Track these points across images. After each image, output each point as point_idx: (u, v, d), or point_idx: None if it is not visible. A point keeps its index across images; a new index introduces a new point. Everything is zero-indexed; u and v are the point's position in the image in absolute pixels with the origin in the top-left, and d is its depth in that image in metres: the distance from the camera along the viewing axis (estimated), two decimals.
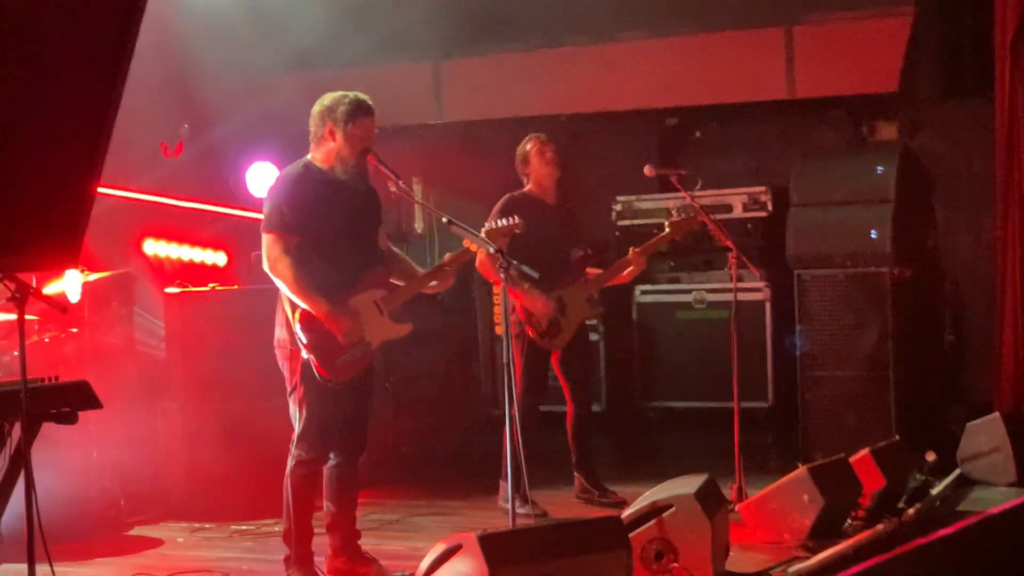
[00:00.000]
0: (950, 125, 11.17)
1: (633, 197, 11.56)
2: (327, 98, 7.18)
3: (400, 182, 7.17)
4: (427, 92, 12.03)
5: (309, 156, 7.22)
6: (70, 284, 9.18)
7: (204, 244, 11.10)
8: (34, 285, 5.43)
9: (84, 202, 4.34)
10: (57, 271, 9.06)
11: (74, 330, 9.12)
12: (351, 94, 7.15)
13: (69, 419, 5.59)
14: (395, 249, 7.55)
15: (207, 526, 8.88)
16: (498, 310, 8.81)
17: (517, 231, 7.55)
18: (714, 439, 9.72)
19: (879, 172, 10.11)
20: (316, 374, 6.94)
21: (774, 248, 10.65)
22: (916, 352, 10.29)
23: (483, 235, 7.42)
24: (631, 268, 9.13)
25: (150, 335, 10.16)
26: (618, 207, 11.64)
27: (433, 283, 7.41)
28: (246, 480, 8.95)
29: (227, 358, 9.32)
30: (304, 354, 6.94)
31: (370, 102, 7.16)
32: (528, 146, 9.12)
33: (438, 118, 12.06)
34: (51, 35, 3.88)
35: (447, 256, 7.44)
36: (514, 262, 7.07)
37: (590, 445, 9.38)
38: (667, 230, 9.29)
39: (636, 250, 9.14)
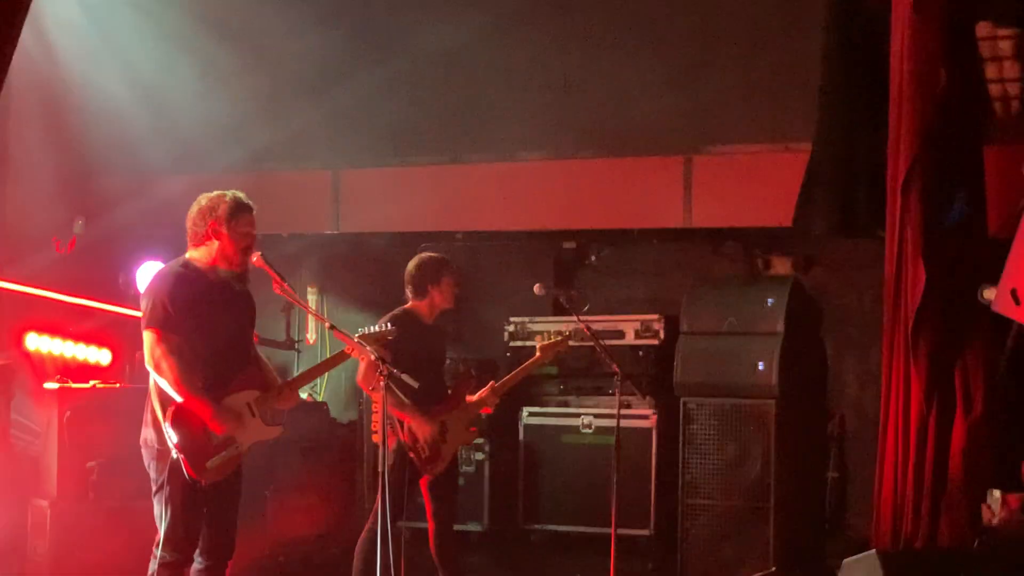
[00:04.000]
0: (842, 262, 11.27)
1: (527, 319, 11.48)
2: (203, 198, 7.21)
3: (285, 284, 7.16)
4: (325, 201, 12.01)
5: (188, 255, 7.20)
6: None
7: (89, 341, 10.94)
8: None
9: None
10: None
11: None
12: (229, 193, 7.21)
13: None
14: (261, 355, 7.49)
15: None
16: (376, 418, 8.70)
17: (390, 338, 7.51)
18: (595, 564, 9.66)
19: (769, 304, 10.18)
20: (185, 474, 6.85)
21: (665, 376, 10.59)
22: (798, 485, 10.28)
23: (356, 339, 7.39)
24: (485, 406, 9.11)
25: (25, 431, 9.99)
26: (511, 328, 11.57)
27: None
28: None
29: (103, 457, 9.20)
30: (174, 454, 6.85)
31: (248, 200, 7.17)
32: (442, 267, 8.99)
33: (335, 228, 12.02)
34: None
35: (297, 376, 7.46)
36: (394, 370, 7.09)
37: (458, 565, 9.23)
38: (537, 353, 9.28)
39: (495, 384, 9.13)
